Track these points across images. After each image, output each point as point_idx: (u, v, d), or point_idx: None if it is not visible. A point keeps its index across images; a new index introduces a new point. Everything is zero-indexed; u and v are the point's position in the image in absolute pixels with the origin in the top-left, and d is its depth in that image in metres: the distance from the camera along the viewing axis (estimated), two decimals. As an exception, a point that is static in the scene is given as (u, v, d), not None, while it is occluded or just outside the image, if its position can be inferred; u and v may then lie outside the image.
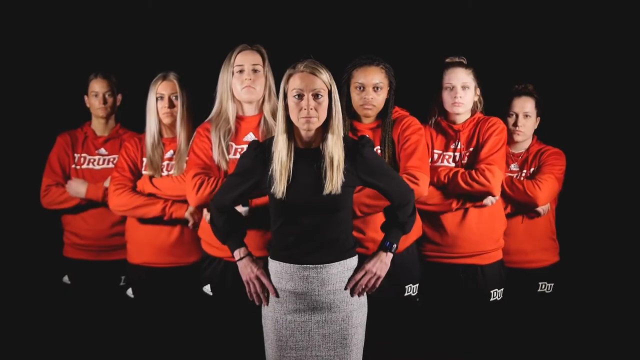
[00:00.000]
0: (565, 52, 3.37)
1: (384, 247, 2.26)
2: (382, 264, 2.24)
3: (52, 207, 3.01)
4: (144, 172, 2.82)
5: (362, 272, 2.22)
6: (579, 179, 3.10)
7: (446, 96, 2.75)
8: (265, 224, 2.33)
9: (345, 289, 2.19)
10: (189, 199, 2.53)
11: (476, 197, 2.67)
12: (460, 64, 2.74)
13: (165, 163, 2.80)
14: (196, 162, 2.55)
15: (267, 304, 2.22)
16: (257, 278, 2.23)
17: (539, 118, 2.96)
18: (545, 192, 2.80)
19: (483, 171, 2.63)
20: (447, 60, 2.79)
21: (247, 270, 2.25)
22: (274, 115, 2.56)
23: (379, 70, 2.59)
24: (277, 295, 2.20)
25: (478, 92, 2.77)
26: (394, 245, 2.26)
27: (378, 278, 2.23)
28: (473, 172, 2.64)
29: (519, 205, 2.83)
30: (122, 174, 2.81)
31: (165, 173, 2.79)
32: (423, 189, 2.51)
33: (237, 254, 2.27)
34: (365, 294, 2.25)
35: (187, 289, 2.74)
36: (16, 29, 3.43)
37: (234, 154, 2.57)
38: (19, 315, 3.34)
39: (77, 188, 2.97)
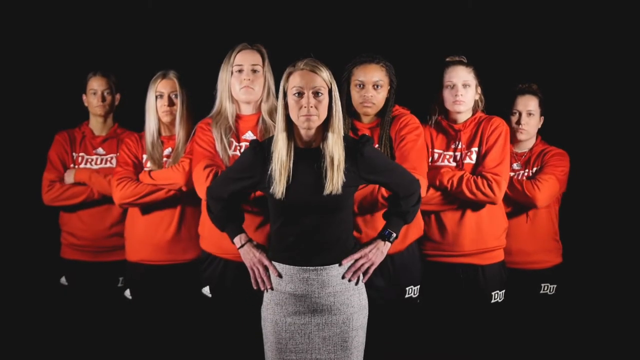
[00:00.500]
0: (568, 50, 3.36)
1: (382, 235, 2.25)
2: (378, 252, 2.23)
3: (56, 203, 2.99)
4: (145, 169, 2.81)
5: (359, 255, 2.20)
6: (583, 180, 3.08)
7: (447, 94, 2.73)
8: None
9: (340, 265, 2.17)
10: (200, 190, 2.51)
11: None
12: (460, 62, 2.73)
13: (164, 160, 2.79)
14: (204, 154, 2.54)
15: (272, 288, 2.19)
16: (260, 262, 2.21)
17: (542, 117, 2.95)
18: (545, 192, 2.79)
19: (491, 182, 2.63)
20: (448, 59, 2.77)
21: (249, 256, 2.23)
22: (271, 115, 2.57)
23: (379, 68, 2.59)
24: (280, 276, 2.17)
25: (479, 90, 2.76)
26: (393, 235, 2.25)
27: (372, 264, 2.22)
28: (479, 181, 2.63)
29: (519, 205, 2.83)
30: (125, 168, 2.81)
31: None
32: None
33: (238, 240, 2.26)
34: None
35: (184, 287, 2.73)
36: (15, 28, 3.41)
37: (234, 151, 2.57)
38: (16, 317, 3.33)
39: (68, 174, 2.99)
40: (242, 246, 2.25)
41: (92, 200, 2.96)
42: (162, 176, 2.71)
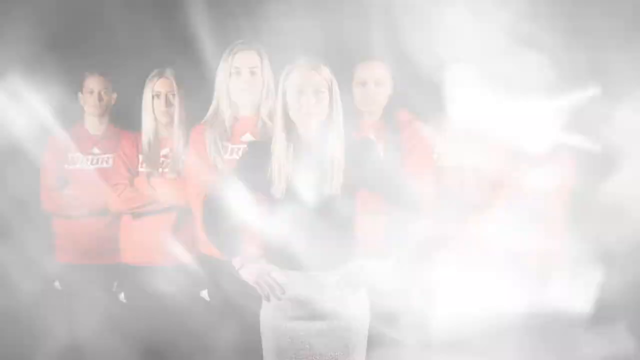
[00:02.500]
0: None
1: None
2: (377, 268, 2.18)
3: (56, 212, 2.97)
4: (140, 170, 2.79)
5: (356, 264, 2.16)
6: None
7: None
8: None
9: (337, 270, 2.13)
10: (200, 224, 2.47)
11: None
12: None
13: (161, 160, 2.76)
14: (200, 189, 2.48)
15: (284, 292, 2.15)
16: (262, 269, 2.16)
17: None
18: None
19: None
20: None
21: (249, 271, 2.19)
22: (270, 116, 2.53)
23: (381, 65, 2.59)
24: (286, 275, 2.13)
25: None
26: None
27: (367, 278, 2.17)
28: None
29: None
30: (120, 174, 2.80)
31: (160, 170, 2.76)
32: None
33: (237, 263, 2.22)
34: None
35: (182, 290, 2.70)
36: (13, 26, 3.38)
37: (230, 154, 2.53)
38: (9, 321, 3.31)
39: None
40: (240, 267, 2.21)
41: (93, 213, 2.94)
42: (164, 189, 2.69)
